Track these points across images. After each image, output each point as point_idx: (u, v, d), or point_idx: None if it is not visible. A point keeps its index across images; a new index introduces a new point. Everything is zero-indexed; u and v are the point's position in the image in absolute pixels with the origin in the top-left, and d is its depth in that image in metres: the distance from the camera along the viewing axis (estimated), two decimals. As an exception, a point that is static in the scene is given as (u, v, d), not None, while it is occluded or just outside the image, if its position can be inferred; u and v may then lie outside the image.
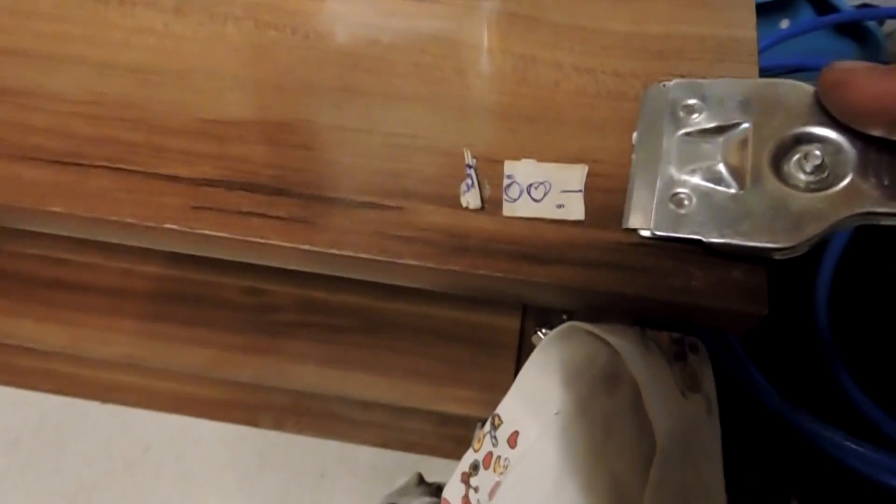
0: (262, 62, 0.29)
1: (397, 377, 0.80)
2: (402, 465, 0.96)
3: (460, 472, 0.31)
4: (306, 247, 0.25)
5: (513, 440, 0.29)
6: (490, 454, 0.30)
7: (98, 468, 1.00)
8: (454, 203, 0.26)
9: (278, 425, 0.96)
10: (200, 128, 0.27)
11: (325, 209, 0.26)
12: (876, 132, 0.21)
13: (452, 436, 0.93)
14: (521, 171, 0.26)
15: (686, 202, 0.24)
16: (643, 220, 0.25)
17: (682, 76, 0.28)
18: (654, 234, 0.24)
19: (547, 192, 0.26)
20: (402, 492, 0.54)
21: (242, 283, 0.83)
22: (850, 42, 0.55)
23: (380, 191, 0.26)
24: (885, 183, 0.22)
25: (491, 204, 0.26)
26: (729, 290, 0.24)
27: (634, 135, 0.27)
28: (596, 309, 0.27)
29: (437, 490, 0.53)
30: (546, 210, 0.26)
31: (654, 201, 0.25)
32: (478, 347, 0.78)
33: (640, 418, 0.26)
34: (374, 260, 0.25)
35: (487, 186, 0.26)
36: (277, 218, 0.26)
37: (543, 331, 0.35)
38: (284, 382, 0.84)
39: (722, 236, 0.23)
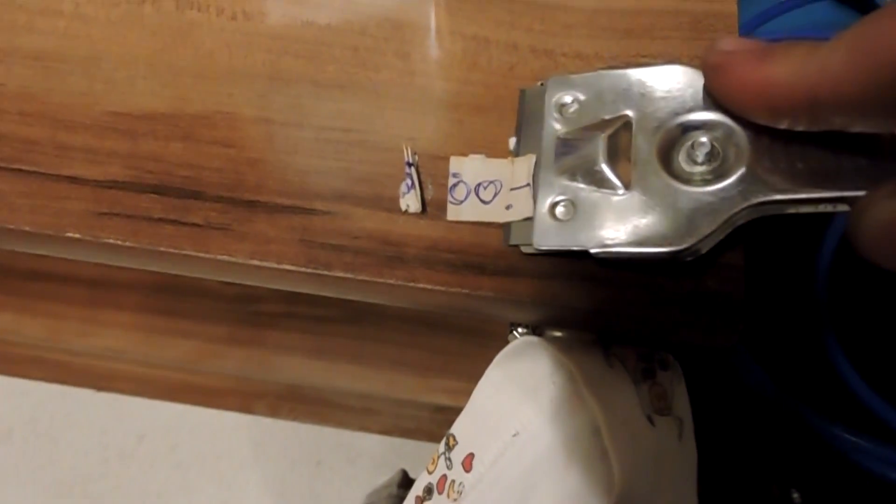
0: (180, 46, 0.26)
1: (385, 368, 0.78)
2: (401, 453, 0.95)
3: (414, 496, 0.28)
4: (224, 257, 0.23)
5: (468, 463, 0.26)
6: (444, 477, 0.27)
7: (92, 458, 0.99)
8: (392, 206, 0.23)
9: (273, 412, 0.95)
10: (109, 122, 0.24)
11: (245, 215, 0.23)
12: (759, 121, 0.19)
13: (450, 422, 0.91)
14: (468, 168, 0.23)
15: (568, 210, 0.21)
16: (525, 235, 0.22)
17: (652, 56, 0.25)
18: (537, 250, 0.22)
19: (497, 192, 0.23)
20: (381, 494, 0.52)
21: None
22: (852, 13, 0.52)
23: (308, 193, 0.23)
24: (782, 167, 0.19)
25: (434, 207, 0.23)
26: (702, 302, 0.21)
27: (511, 141, 0.24)
28: (552, 323, 0.24)
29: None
30: (496, 212, 0.23)
31: (535, 213, 0.22)
32: (468, 337, 0.76)
33: (604, 444, 0.23)
34: (300, 272, 0.23)
35: (430, 187, 0.23)
36: (192, 225, 0.23)
37: (519, 330, 0.32)
38: (270, 374, 0.82)
39: (608, 245, 0.21)
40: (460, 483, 0.26)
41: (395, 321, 0.77)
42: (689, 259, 0.21)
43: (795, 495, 0.42)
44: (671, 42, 0.25)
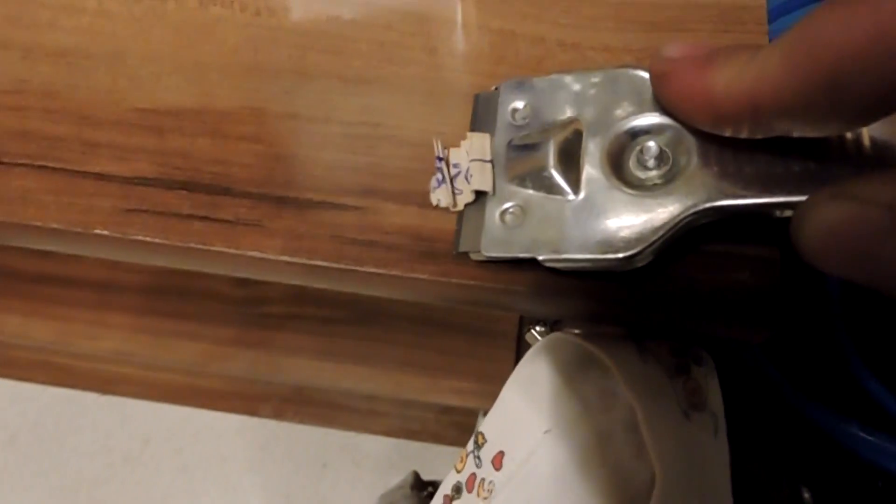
0: (205, 43, 0.26)
1: (393, 369, 0.78)
2: (406, 454, 0.95)
3: (442, 495, 0.28)
4: (254, 254, 0.22)
5: (497, 461, 0.26)
6: (473, 476, 0.27)
7: (98, 462, 0.98)
8: (422, 201, 0.23)
9: (279, 415, 0.94)
10: (135, 119, 0.24)
11: (275, 210, 0.23)
12: (704, 128, 0.19)
13: (455, 423, 0.91)
14: (460, 156, 0.23)
15: (517, 217, 0.21)
16: (473, 242, 0.21)
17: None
18: (486, 258, 0.21)
19: None
20: (394, 496, 0.52)
21: (231, 275, 0.80)
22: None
23: (338, 188, 0.23)
24: (730, 171, 0.19)
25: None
26: (736, 295, 0.21)
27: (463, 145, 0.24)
28: (586, 318, 0.24)
29: (426, 498, 0.51)
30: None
31: (485, 219, 0.22)
32: (476, 337, 0.76)
33: (638, 440, 0.23)
34: (331, 268, 0.22)
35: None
36: (222, 221, 0.23)
37: (538, 328, 0.32)
38: (277, 376, 0.82)
39: (555, 252, 0.20)
40: (490, 482, 0.26)
41: (403, 322, 0.77)
42: (639, 265, 0.20)
43: (806, 495, 0.41)
44: (698, 35, 0.25)
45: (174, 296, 0.81)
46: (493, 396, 0.27)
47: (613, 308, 0.22)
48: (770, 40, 0.25)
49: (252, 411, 0.95)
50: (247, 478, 0.99)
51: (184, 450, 1.00)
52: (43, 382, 0.96)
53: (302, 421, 0.94)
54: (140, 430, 1.01)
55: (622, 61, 0.25)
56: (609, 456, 0.24)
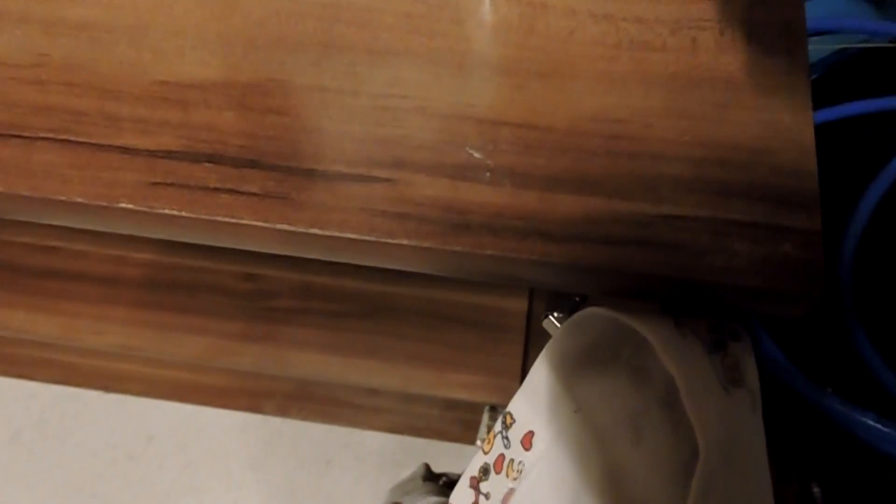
0: (229, 15, 0.25)
1: (401, 363, 0.77)
2: (410, 451, 0.94)
3: (469, 477, 0.28)
4: (284, 227, 0.22)
5: (527, 441, 0.25)
6: (502, 457, 0.26)
7: (102, 460, 0.98)
8: (454, 173, 0.22)
9: (283, 412, 0.94)
10: (159, 92, 0.24)
11: (304, 183, 0.22)
12: None
13: (460, 419, 0.90)
14: None
15: None
16: None
17: (715, 20, 0.24)
18: None
19: None
20: (407, 488, 0.51)
21: (238, 269, 0.79)
22: (868, 5, 0.51)
23: (367, 160, 0.23)
24: None
25: (498, 174, 0.22)
26: (778, 268, 0.21)
27: None
28: (622, 292, 0.23)
29: (443, 487, 0.50)
30: None
31: None
32: (484, 331, 0.75)
33: (675, 418, 0.22)
34: (363, 241, 0.22)
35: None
36: (250, 194, 0.22)
37: (556, 315, 0.31)
38: (284, 371, 0.81)
39: None
40: (520, 462, 0.25)
41: (411, 316, 0.76)
42: None
43: (816, 489, 0.41)
44: (733, 4, 0.25)
45: (180, 290, 0.80)
46: (501, 390, 0.26)
47: (649, 282, 0.22)
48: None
49: (256, 408, 0.94)
50: (250, 474, 0.98)
51: (187, 447, 0.99)
52: (47, 380, 0.95)
53: (306, 418, 0.94)
54: (144, 428, 1.00)
55: (657, 32, 0.25)
56: (645, 434, 0.23)
